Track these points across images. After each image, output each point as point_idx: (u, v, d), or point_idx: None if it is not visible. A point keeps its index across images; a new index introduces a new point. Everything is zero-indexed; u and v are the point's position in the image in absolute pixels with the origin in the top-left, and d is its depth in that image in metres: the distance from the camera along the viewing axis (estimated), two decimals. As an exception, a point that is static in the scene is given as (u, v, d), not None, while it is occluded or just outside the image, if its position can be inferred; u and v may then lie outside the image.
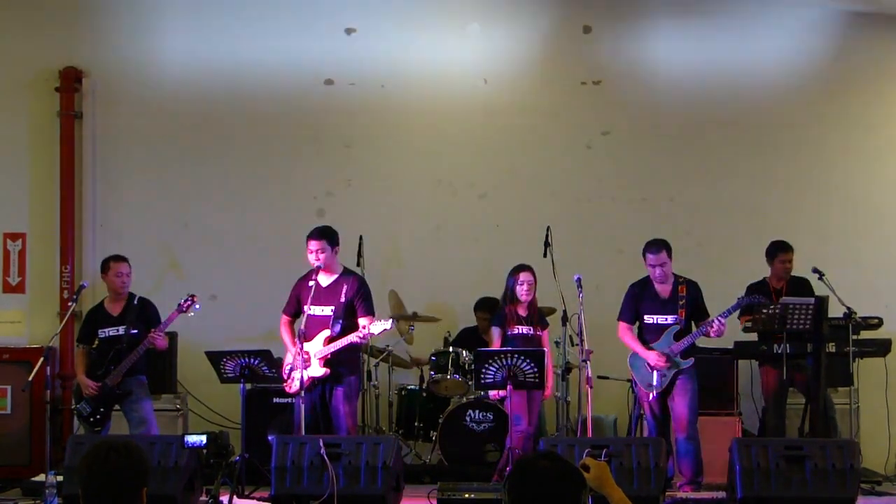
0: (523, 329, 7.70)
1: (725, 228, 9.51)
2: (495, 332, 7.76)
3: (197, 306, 7.55)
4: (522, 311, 7.74)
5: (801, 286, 8.13)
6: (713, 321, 7.34)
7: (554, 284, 7.85)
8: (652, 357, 7.42)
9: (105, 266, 7.82)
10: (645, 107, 9.60)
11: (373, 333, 7.23)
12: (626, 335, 7.63)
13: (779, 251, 8.27)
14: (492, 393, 7.84)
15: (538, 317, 7.82)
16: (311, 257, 7.32)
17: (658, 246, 7.52)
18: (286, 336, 7.51)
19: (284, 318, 7.57)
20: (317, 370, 7.19)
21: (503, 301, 7.83)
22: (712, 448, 7.58)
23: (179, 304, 7.55)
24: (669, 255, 7.52)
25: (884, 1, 9.35)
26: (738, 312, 7.68)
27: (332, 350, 7.18)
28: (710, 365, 8.12)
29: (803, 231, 9.35)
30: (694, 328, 7.54)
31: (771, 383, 8.01)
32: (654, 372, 7.42)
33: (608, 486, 3.47)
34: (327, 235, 7.37)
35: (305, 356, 7.08)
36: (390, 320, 7.36)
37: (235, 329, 8.96)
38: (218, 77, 9.53)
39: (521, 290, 7.68)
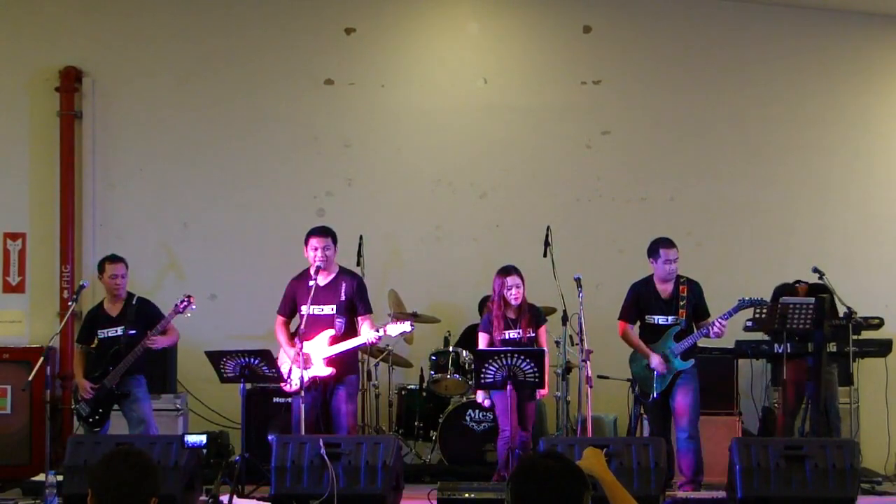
0: (512, 334, 7.49)
1: (725, 228, 9.52)
2: (482, 339, 7.56)
3: (193, 307, 7.54)
4: (511, 314, 7.55)
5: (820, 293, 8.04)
6: (714, 323, 7.34)
7: (554, 284, 7.84)
8: (654, 360, 7.42)
9: (100, 267, 7.80)
10: (645, 107, 9.61)
11: (391, 336, 7.20)
12: (627, 334, 7.62)
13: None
14: (479, 399, 7.72)
15: (530, 317, 7.58)
16: (316, 254, 7.25)
17: (672, 241, 7.52)
18: (282, 336, 7.47)
19: (280, 319, 7.51)
20: (322, 370, 7.18)
21: (490, 304, 7.64)
22: (712, 448, 7.59)
23: (176, 305, 7.53)
24: None
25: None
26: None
27: (343, 350, 7.16)
28: (710, 365, 8.12)
29: (803, 231, 9.37)
30: (695, 328, 7.53)
31: (787, 382, 7.99)
32: (654, 371, 7.41)
33: (600, 470, 3.50)
34: (332, 234, 7.36)
35: (305, 356, 7.06)
36: (408, 322, 7.32)
37: (235, 329, 8.98)
38: (217, 77, 9.53)
39: (510, 294, 7.46)
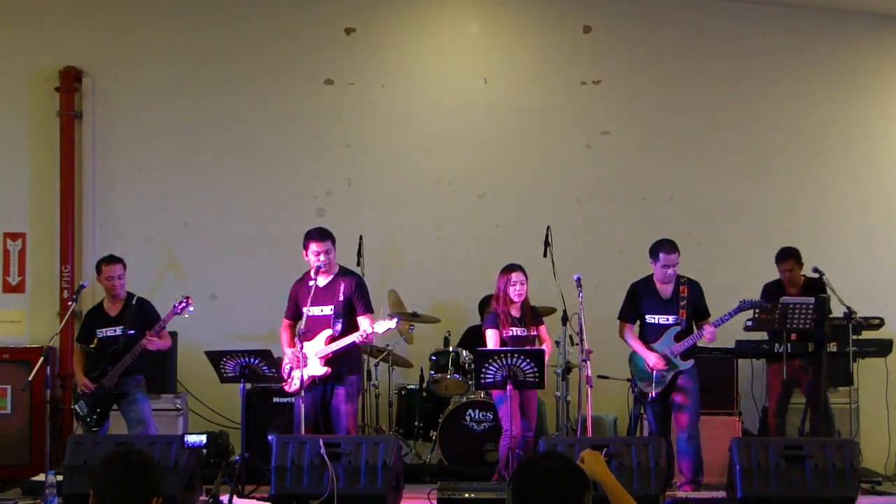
0: (517, 331, 7.56)
1: (725, 228, 9.52)
2: (490, 335, 7.58)
3: (191, 308, 7.52)
4: (515, 312, 7.60)
5: (813, 290, 8.07)
6: (704, 329, 7.34)
7: (554, 284, 7.84)
8: (651, 358, 7.42)
9: (97, 269, 7.81)
10: (645, 107, 9.61)
11: (377, 333, 7.20)
12: (627, 334, 7.62)
13: (779, 261, 8.28)
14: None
15: (531, 316, 7.66)
16: (319, 258, 7.24)
17: (674, 245, 7.50)
18: (284, 338, 7.50)
19: (285, 322, 7.55)
20: (318, 369, 7.18)
21: (495, 302, 7.70)
22: (712, 448, 7.59)
23: (174, 306, 7.53)
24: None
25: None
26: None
27: (334, 350, 7.17)
28: (710, 365, 8.13)
29: (803, 231, 9.35)
30: (695, 329, 7.54)
31: (777, 382, 8.01)
32: (654, 372, 7.41)
33: (601, 473, 3.50)
34: (331, 237, 7.35)
35: (303, 356, 7.06)
36: (394, 319, 7.33)
37: (235, 329, 8.98)
38: (217, 77, 9.53)
39: (514, 291, 7.53)
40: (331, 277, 7.37)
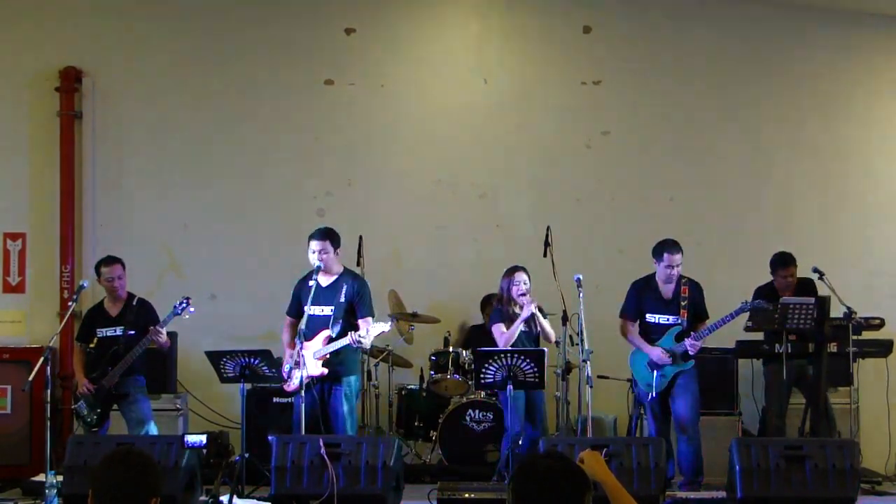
0: (521, 328, 7.63)
1: (725, 228, 9.52)
2: (498, 330, 7.67)
3: (191, 309, 7.52)
4: (519, 311, 7.66)
5: (806, 291, 8.07)
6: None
7: (554, 284, 7.84)
8: (655, 353, 7.41)
9: (97, 271, 7.82)
10: (645, 107, 9.61)
11: (371, 336, 7.20)
12: (628, 331, 7.63)
13: (777, 267, 8.17)
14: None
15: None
16: (314, 257, 7.32)
17: (677, 246, 7.48)
18: (285, 337, 7.54)
19: (287, 320, 7.59)
20: (315, 369, 7.19)
21: (498, 302, 7.77)
22: (712, 448, 7.60)
23: (175, 307, 7.53)
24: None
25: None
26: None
27: (328, 351, 7.18)
28: (711, 365, 8.13)
29: (803, 231, 9.36)
30: (695, 329, 7.53)
31: (776, 382, 8.01)
32: (654, 372, 7.41)
33: (601, 473, 3.51)
34: (330, 236, 7.37)
35: (301, 356, 7.06)
36: (388, 322, 7.34)
37: (235, 329, 8.97)
38: (217, 77, 9.53)
39: (518, 292, 7.60)
40: (334, 278, 7.39)
